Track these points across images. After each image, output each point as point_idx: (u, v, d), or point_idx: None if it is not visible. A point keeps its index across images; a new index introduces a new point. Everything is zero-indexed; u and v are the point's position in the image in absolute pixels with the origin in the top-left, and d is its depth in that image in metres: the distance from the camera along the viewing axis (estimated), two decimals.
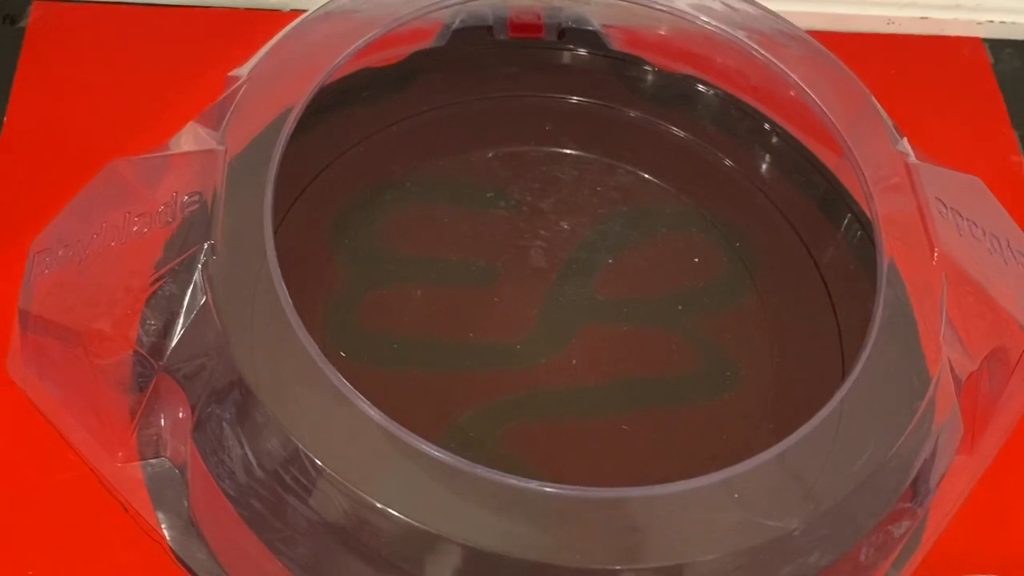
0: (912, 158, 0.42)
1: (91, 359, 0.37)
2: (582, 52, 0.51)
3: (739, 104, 0.50)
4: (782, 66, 0.44)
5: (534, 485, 0.32)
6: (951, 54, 0.60)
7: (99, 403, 0.38)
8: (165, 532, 0.38)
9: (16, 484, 0.40)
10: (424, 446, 0.32)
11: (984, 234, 0.41)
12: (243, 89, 0.40)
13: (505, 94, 0.51)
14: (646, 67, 0.51)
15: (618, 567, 0.32)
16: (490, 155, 0.49)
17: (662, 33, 0.50)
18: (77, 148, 0.49)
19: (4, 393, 0.41)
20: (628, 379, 0.44)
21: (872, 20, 0.60)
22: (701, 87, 0.51)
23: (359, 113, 0.48)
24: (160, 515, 0.38)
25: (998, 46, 0.60)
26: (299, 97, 0.40)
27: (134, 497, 0.39)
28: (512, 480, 0.32)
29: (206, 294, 0.35)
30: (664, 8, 0.47)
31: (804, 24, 0.47)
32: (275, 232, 0.36)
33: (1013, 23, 0.60)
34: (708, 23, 0.46)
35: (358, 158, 0.48)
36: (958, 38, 0.60)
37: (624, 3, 0.48)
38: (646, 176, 0.49)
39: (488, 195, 0.48)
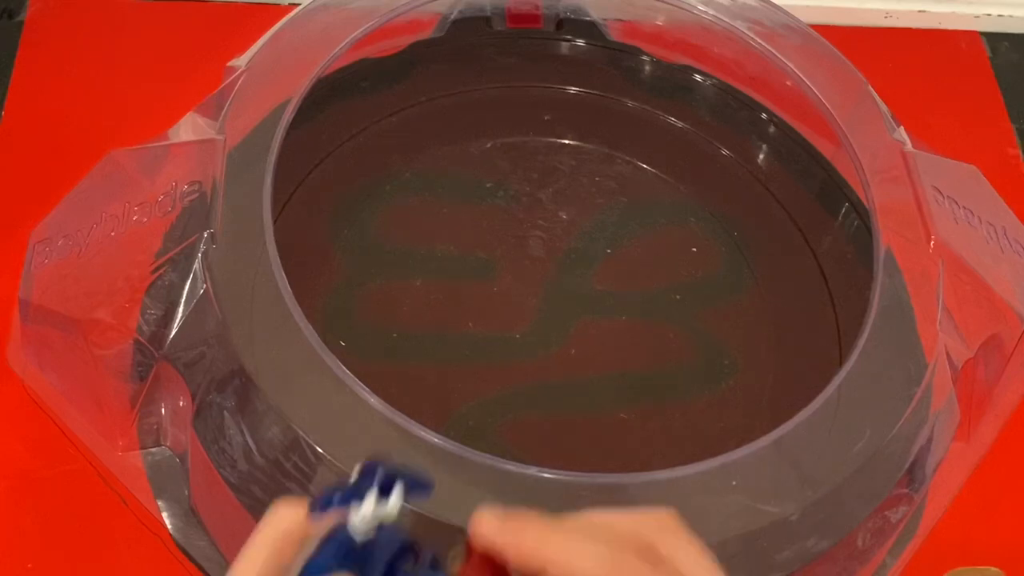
0: (909, 146, 0.42)
1: (91, 348, 0.37)
2: (580, 43, 0.52)
3: (736, 94, 0.50)
4: (779, 55, 0.44)
5: (533, 471, 0.32)
6: (949, 48, 0.60)
7: (99, 392, 0.38)
8: (166, 520, 0.38)
9: (16, 477, 0.40)
10: (423, 433, 0.32)
11: (981, 222, 0.41)
12: (242, 79, 0.40)
13: (503, 85, 0.51)
14: (644, 57, 0.51)
15: None
16: (489, 146, 0.49)
17: (660, 23, 0.50)
18: (76, 139, 0.49)
19: (4, 385, 0.41)
20: (627, 369, 0.44)
21: (869, 14, 0.60)
22: (699, 77, 0.51)
23: (358, 103, 0.48)
24: (161, 503, 0.38)
25: (995, 39, 0.60)
26: (298, 87, 0.40)
27: (135, 486, 0.39)
28: (511, 466, 0.32)
29: (206, 283, 0.36)
30: None
31: (801, 18, 0.47)
32: (274, 222, 0.37)
33: (1010, 16, 0.61)
34: (705, 13, 0.46)
35: (357, 148, 0.48)
36: (955, 31, 0.61)
37: None
38: (644, 166, 0.50)
39: (487, 185, 0.48)
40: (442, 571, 0.24)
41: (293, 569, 0.23)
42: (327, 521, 0.24)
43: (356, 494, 0.24)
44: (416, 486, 0.25)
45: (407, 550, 0.25)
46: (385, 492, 0.24)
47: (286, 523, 0.25)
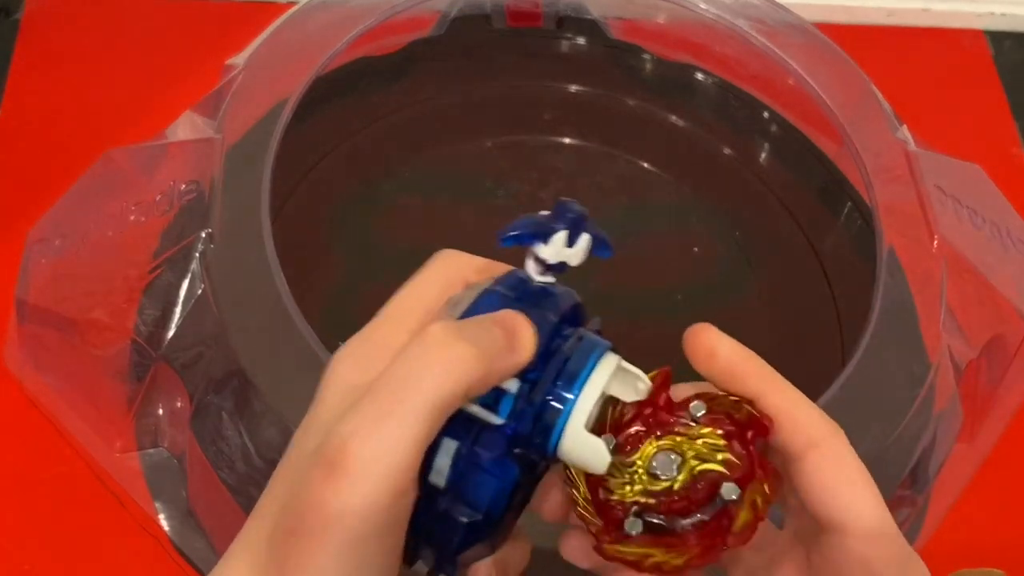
0: (912, 145, 0.42)
1: (89, 349, 0.37)
2: (581, 41, 0.51)
3: (738, 93, 0.50)
4: (781, 54, 0.44)
5: None
6: (952, 46, 0.60)
7: (97, 393, 0.38)
8: (163, 522, 0.38)
9: (13, 478, 0.39)
10: None
11: (984, 221, 0.41)
12: (240, 77, 0.40)
13: (503, 83, 0.51)
14: (645, 56, 0.51)
15: None
16: (488, 145, 0.49)
17: (661, 21, 0.50)
18: (73, 138, 0.48)
19: (1, 385, 0.41)
20: None
21: (872, 12, 0.60)
22: (700, 76, 0.51)
23: (357, 102, 0.48)
24: (158, 505, 0.38)
25: (999, 38, 0.60)
26: (296, 86, 0.40)
27: (132, 487, 0.38)
28: None
29: (204, 283, 0.35)
30: None
31: (803, 16, 0.47)
32: (273, 221, 0.36)
33: (1013, 15, 0.60)
34: (707, 11, 0.46)
35: (356, 147, 0.48)
36: (958, 30, 0.60)
37: None
38: (645, 165, 0.49)
39: (487, 185, 0.48)
40: (607, 341, 0.23)
41: (459, 305, 0.22)
42: (498, 268, 0.23)
43: (543, 232, 0.22)
44: (601, 244, 0.23)
45: (576, 312, 0.23)
46: (573, 235, 0.22)
47: (453, 267, 0.23)
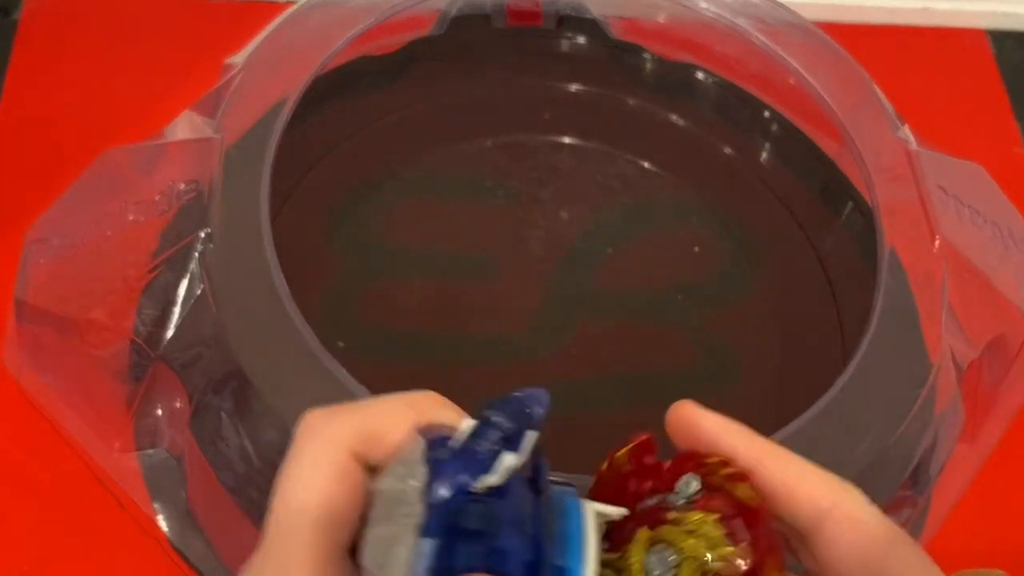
0: (913, 145, 0.42)
1: (87, 349, 0.37)
2: (581, 40, 0.51)
3: (739, 92, 0.50)
4: (782, 53, 0.44)
5: None
6: (953, 45, 0.60)
7: (95, 393, 0.38)
8: (162, 522, 0.38)
9: (11, 478, 0.39)
10: None
11: (986, 221, 0.41)
12: (239, 77, 0.40)
13: (503, 83, 0.51)
14: (645, 55, 0.51)
15: None
16: (489, 144, 0.49)
17: (661, 21, 0.50)
18: (72, 138, 0.48)
19: (0, 385, 0.41)
20: (627, 369, 0.43)
21: (873, 11, 0.60)
22: (701, 75, 0.51)
23: (356, 102, 0.48)
24: (157, 505, 0.38)
25: (1000, 37, 0.60)
26: (296, 85, 0.40)
27: (131, 488, 0.38)
28: None
29: (203, 283, 0.35)
30: None
31: (803, 15, 0.46)
32: (272, 221, 0.36)
33: (1015, 14, 0.60)
34: (707, 10, 0.46)
35: (356, 147, 0.48)
36: (960, 29, 0.60)
37: None
38: (646, 165, 0.49)
39: (487, 185, 0.48)
40: (577, 496, 0.20)
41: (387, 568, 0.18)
42: (391, 432, 0.19)
43: (483, 465, 0.18)
44: (542, 410, 0.20)
45: (537, 475, 0.20)
46: (515, 444, 0.19)
47: (331, 447, 0.17)
